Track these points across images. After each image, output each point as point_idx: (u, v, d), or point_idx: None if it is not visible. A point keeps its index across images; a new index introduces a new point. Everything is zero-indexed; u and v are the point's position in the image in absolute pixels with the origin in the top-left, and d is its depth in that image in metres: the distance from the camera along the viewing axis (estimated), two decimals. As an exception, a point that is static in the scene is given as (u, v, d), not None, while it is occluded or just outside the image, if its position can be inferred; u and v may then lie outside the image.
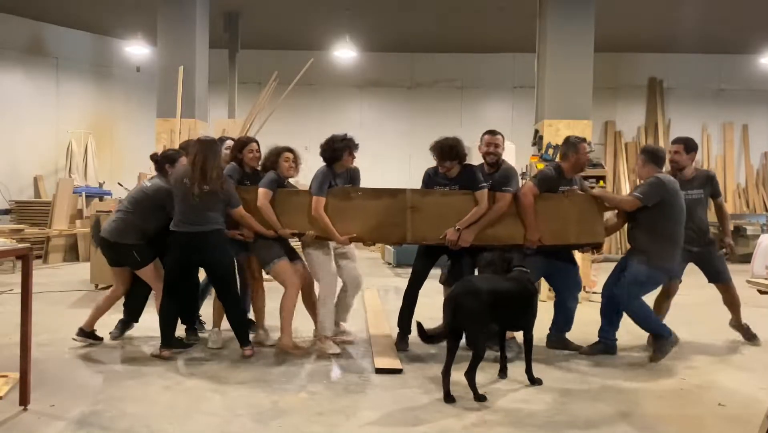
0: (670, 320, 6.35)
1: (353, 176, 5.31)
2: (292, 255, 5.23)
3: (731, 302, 5.59)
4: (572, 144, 5.13)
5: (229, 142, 5.55)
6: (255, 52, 14.25)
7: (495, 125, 6.09)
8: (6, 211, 12.33)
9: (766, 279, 4.04)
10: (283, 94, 8.58)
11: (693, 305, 6.70)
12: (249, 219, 4.95)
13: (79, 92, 14.14)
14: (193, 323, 5.47)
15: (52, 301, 7.19)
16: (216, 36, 11.48)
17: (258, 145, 5.34)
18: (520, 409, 3.84)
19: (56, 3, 12.47)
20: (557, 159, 5.38)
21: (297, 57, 10.66)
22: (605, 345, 5.12)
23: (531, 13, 9.36)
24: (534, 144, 8.77)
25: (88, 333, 5.15)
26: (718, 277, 5.53)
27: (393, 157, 14.60)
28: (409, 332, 5.12)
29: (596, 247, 5.30)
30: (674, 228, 4.98)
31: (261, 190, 4.98)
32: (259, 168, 5.28)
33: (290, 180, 5.31)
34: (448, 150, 4.95)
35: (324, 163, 5.11)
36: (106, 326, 5.35)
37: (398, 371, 4.40)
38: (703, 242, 5.38)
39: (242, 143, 5.31)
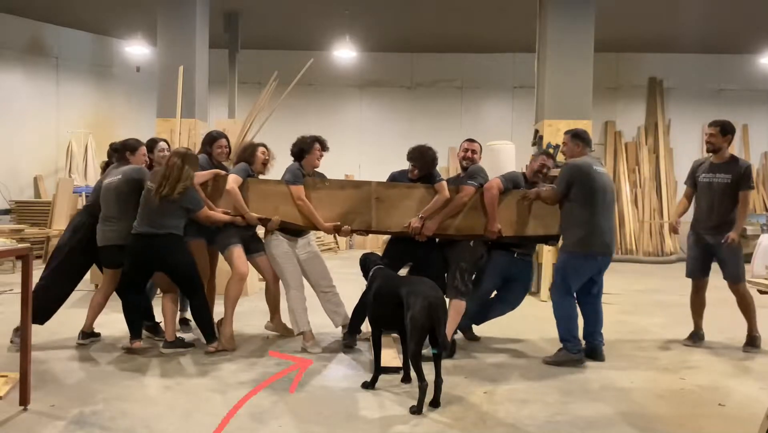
0: (670, 320, 6.35)
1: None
2: (256, 247, 5.36)
3: (744, 307, 5.37)
4: (535, 156, 5.60)
5: (163, 144, 5.63)
6: (255, 52, 14.24)
7: (495, 125, 6.13)
8: (6, 212, 12.33)
9: (766, 279, 4.04)
10: (283, 94, 8.56)
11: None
12: (214, 216, 5.03)
13: (79, 92, 14.13)
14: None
15: (52, 301, 7.18)
16: (216, 36, 11.48)
17: (227, 141, 5.53)
18: (520, 409, 3.84)
19: (56, 3, 12.46)
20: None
21: (297, 57, 10.63)
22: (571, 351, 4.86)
23: (531, 13, 9.36)
24: (534, 144, 8.77)
25: (89, 333, 5.20)
26: (727, 274, 5.34)
27: (393, 157, 14.49)
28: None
29: (553, 240, 5.46)
30: (588, 212, 4.80)
31: (231, 176, 5.14)
32: (227, 163, 5.47)
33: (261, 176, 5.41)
34: (433, 161, 5.22)
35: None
36: (103, 325, 5.37)
37: (398, 370, 4.40)
38: (721, 236, 5.21)
39: (212, 138, 5.49)
